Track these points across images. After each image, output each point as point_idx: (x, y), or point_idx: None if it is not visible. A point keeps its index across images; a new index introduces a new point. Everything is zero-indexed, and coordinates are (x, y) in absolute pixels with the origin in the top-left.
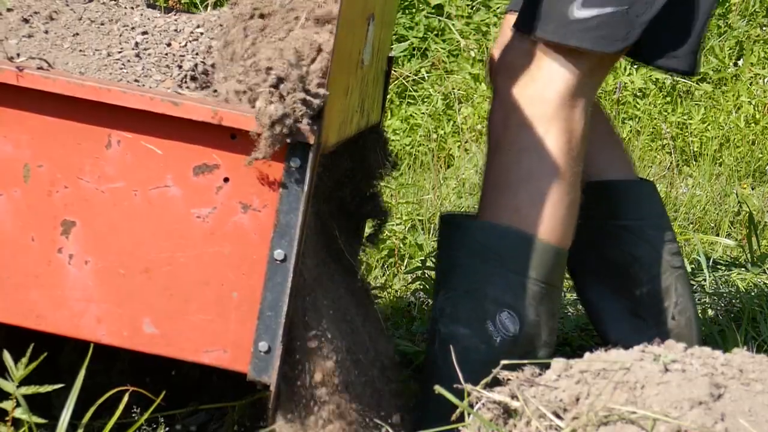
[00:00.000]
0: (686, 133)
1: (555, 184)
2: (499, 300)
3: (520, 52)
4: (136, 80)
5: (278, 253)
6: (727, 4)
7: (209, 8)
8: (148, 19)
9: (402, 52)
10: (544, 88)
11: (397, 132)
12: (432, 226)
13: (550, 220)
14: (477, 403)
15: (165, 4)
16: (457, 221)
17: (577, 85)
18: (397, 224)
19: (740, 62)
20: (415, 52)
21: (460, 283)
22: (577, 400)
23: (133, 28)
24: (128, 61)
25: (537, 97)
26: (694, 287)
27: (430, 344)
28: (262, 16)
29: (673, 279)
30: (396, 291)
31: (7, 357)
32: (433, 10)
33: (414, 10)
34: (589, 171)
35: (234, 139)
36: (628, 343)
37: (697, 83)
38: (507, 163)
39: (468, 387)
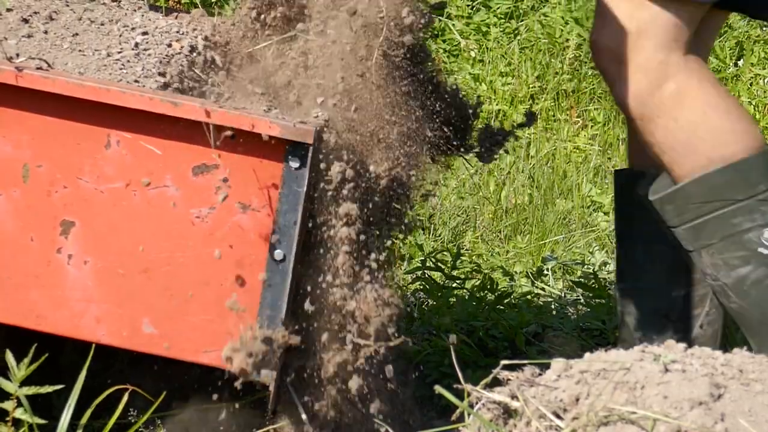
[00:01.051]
0: None
1: (713, 115)
2: (754, 225)
3: (615, 30)
4: (135, 80)
5: (277, 253)
6: None
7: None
8: (149, 20)
9: None
10: (650, 49)
11: None
12: (432, 226)
13: (733, 143)
14: (477, 403)
15: (165, 4)
16: (659, 198)
17: (677, 35)
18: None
19: (740, 62)
20: None
21: (711, 237)
22: (577, 400)
23: (133, 29)
24: (128, 61)
25: (650, 60)
26: None
27: (724, 303)
28: None
29: (710, 288)
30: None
31: (10, 357)
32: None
33: None
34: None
35: (233, 139)
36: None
37: None
38: (664, 131)
39: (468, 387)
